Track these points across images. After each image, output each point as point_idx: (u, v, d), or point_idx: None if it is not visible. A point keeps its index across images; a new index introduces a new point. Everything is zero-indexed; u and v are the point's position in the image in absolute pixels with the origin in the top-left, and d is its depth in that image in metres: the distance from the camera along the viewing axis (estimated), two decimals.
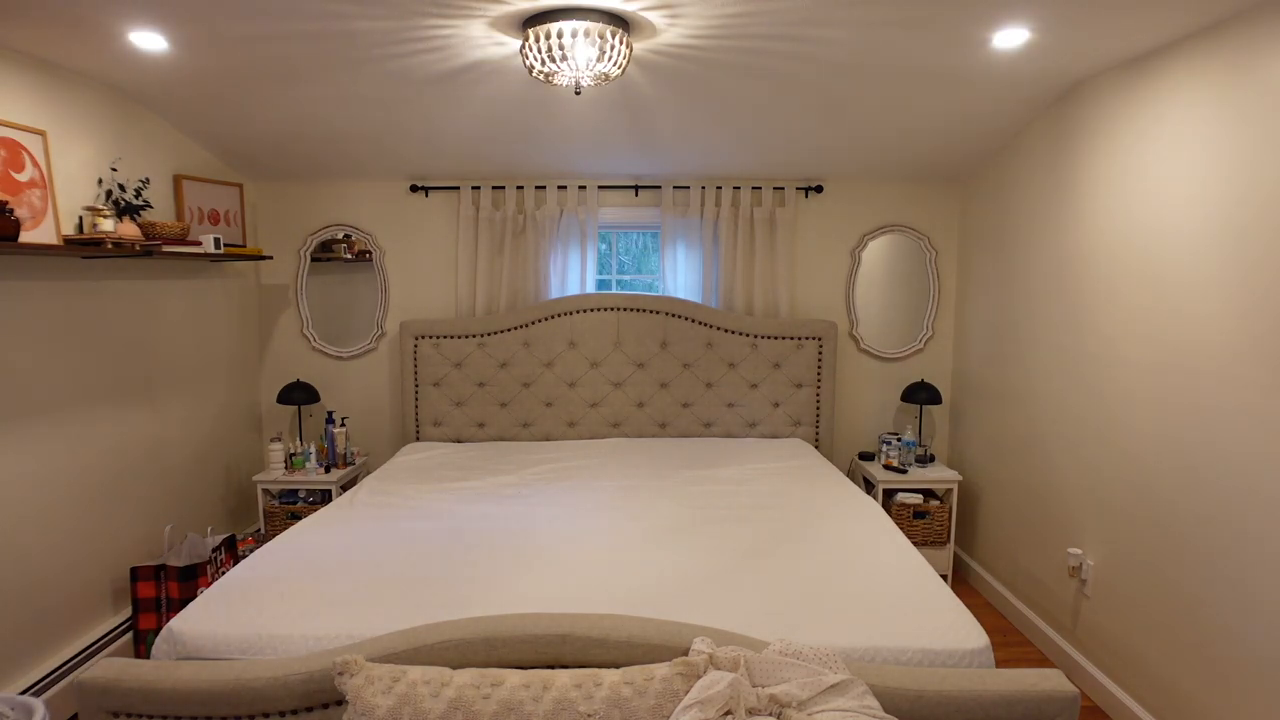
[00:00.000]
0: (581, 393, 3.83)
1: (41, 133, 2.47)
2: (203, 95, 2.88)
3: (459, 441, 3.81)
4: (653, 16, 2.25)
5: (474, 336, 3.80)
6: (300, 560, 2.22)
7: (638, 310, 3.80)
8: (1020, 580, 3.30)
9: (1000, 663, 2.94)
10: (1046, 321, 3.07)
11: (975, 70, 2.63)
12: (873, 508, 2.71)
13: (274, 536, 3.22)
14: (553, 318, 3.80)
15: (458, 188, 3.85)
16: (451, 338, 3.79)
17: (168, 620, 2.46)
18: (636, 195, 3.92)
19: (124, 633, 2.91)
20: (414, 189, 3.88)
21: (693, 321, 3.82)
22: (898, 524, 2.73)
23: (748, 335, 3.83)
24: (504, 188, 3.83)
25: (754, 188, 3.84)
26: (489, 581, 2.09)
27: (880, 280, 4.02)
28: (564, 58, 2.22)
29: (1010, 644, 3.14)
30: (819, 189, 3.89)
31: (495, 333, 3.80)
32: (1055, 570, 3.01)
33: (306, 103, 2.96)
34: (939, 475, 3.66)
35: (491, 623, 1.64)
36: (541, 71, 2.31)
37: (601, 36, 2.20)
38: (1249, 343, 2.04)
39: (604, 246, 4.16)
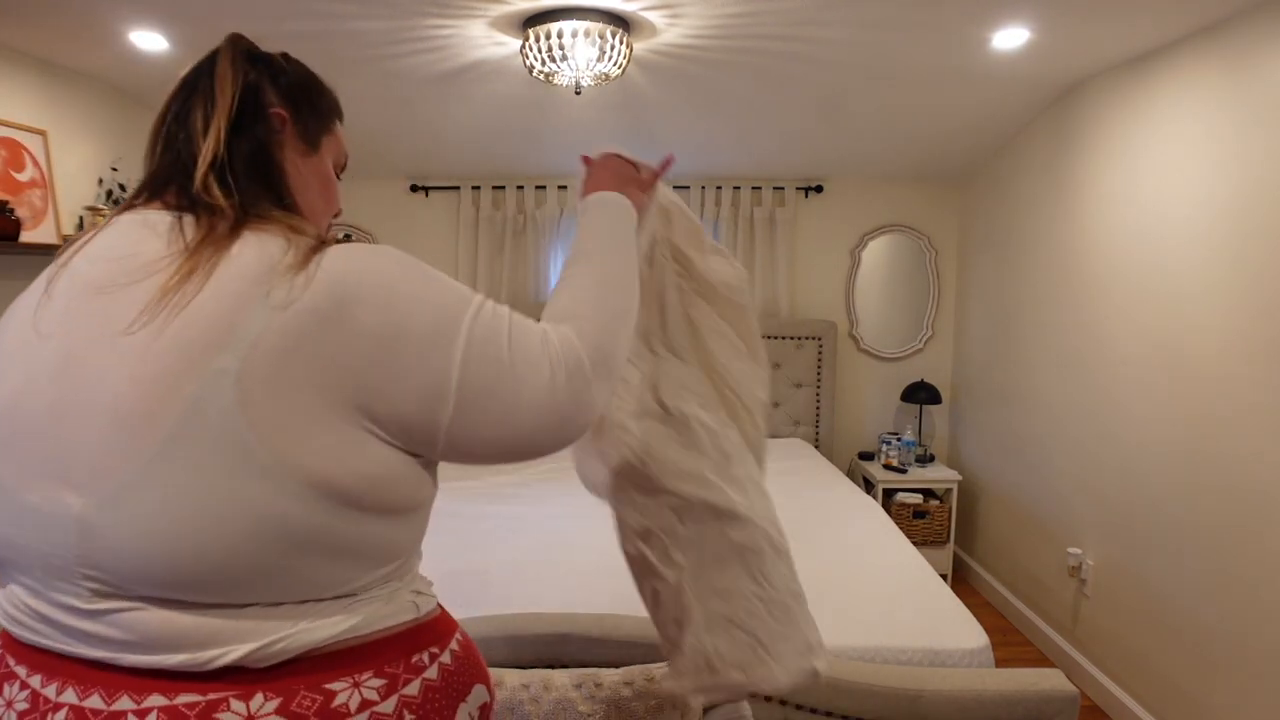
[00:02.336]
0: None
1: (42, 132, 2.47)
2: None
3: None
4: (653, 16, 2.25)
5: None
6: None
7: None
8: (1020, 580, 3.30)
9: (1000, 662, 2.93)
10: (1046, 321, 3.07)
11: (975, 70, 2.63)
12: (872, 508, 2.72)
13: None
14: None
15: (458, 188, 3.85)
16: None
17: None
18: None
19: None
20: (414, 189, 3.88)
21: None
22: (897, 524, 2.73)
23: None
24: (504, 188, 3.83)
25: (754, 188, 3.84)
26: (488, 580, 2.09)
27: (880, 280, 4.02)
28: (564, 58, 2.22)
29: (1010, 644, 3.14)
30: (819, 189, 3.89)
31: None
32: (1055, 570, 3.01)
33: None
34: (939, 475, 3.66)
35: (491, 622, 1.64)
36: (541, 71, 2.31)
37: (601, 36, 2.21)
38: (1248, 342, 2.04)
39: None
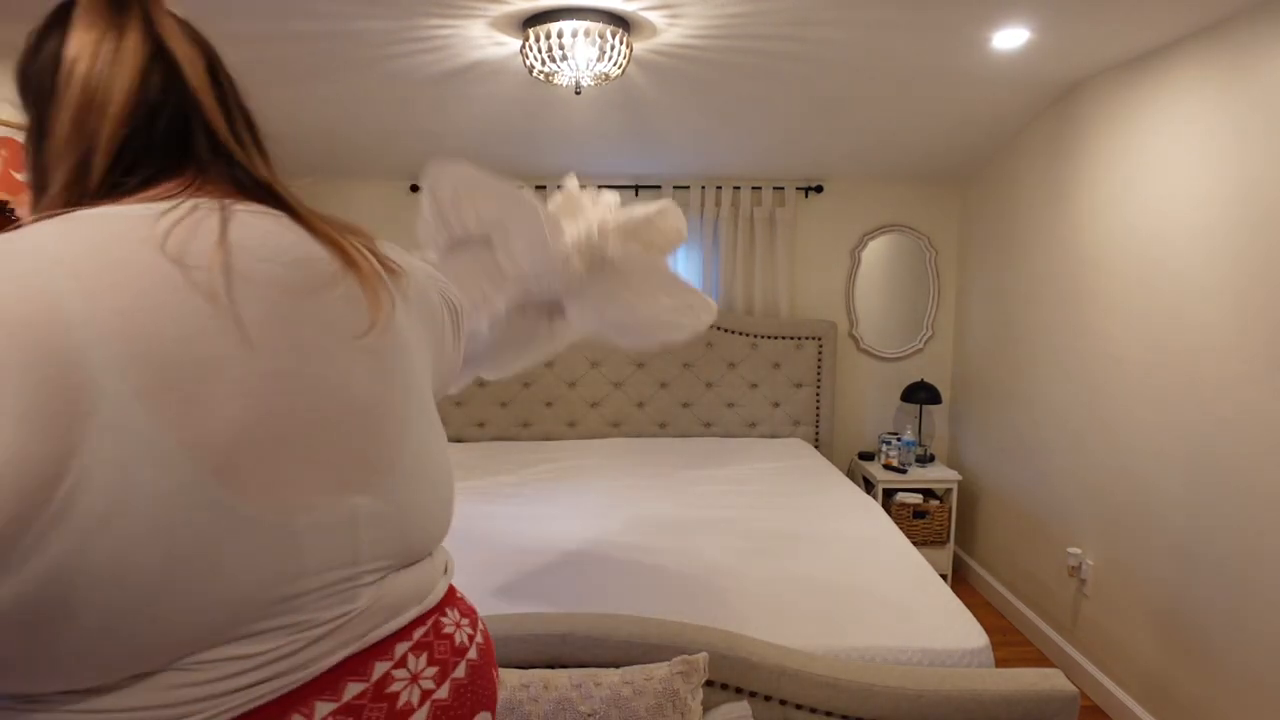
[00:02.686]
0: (581, 392, 3.83)
1: None
2: None
3: (459, 441, 3.81)
4: (653, 16, 2.25)
5: None
6: None
7: None
8: (1020, 580, 3.30)
9: (1000, 662, 2.93)
10: (1046, 321, 3.07)
11: (975, 70, 2.63)
12: (872, 508, 2.72)
13: None
14: None
15: None
16: None
17: None
18: (636, 195, 3.92)
19: None
20: (414, 189, 3.88)
21: None
22: (897, 524, 2.73)
23: (748, 335, 3.83)
24: None
25: (754, 188, 3.84)
26: (488, 581, 2.09)
27: (880, 280, 4.02)
28: (564, 58, 2.22)
29: (1010, 644, 3.14)
30: (819, 189, 3.89)
31: None
32: (1055, 570, 3.01)
33: (307, 103, 2.96)
34: (939, 475, 3.66)
35: (491, 622, 1.64)
36: (541, 71, 2.31)
37: (601, 36, 2.21)
38: (1248, 342, 2.04)
39: None
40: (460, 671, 0.76)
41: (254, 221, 0.67)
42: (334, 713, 0.64)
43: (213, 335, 0.59)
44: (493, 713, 0.80)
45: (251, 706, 0.60)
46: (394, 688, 0.69)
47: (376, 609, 0.69)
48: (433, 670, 0.74)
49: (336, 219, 0.76)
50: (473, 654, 0.79)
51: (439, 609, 0.78)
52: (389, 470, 0.69)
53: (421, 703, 0.71)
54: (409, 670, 0.71)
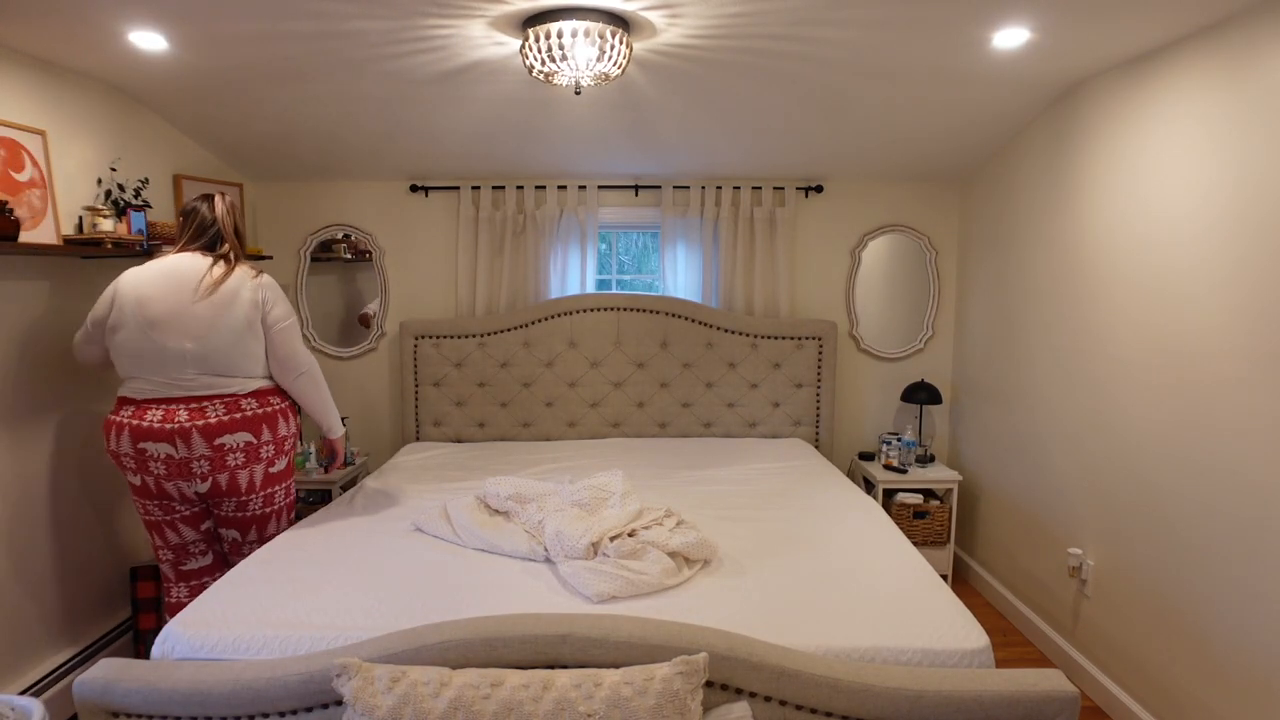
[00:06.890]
0: (581, 393, 3.83)
1: (41, 132, 2.47)
2: (203, 95, 2.88)
3: (459, 441, 3.81)
4: (653, 16, 2.25)
5: (474, 336, 3.79)
6: (300, 560, 2.22)
7: (638, 310, 3.80)
8: (1020, 580, 3.30)
9: (1000, 663, 2.93)
10: (1046, 321, 3.07)
11: (975, 70, 2.63)
12: (873, 508, 2.71)
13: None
14: (553, 318, 3.80)
15: (458, 188, 3.85)
16: (451, 338, 3.79)
17: (167, 620, 2.46)
18: (636, 195, 3.92)
19: (124, 633, 2.91)
20: (414, 189, 3.87)
21: (693, 321, 3.82)
22: (898, 524, 2.73)
23: (748, 335, 3.83)
24: (504, 188, 3.83)
25: (754, 188, 3.84)
26: (489, 581, 2.09)
27: (880, 280, 4.02)
28: (564, 58, 2.22)
29: (1010, 644, 3.14)
30: (819, 189, 3.89)
31: (495, 333, 3.80)
32: (1055, 570, 3.01)
33: (306, 103, 2.96)
34: (939, 475, 3.66)
35: (492, 623, 1.64)
36: (541, 71, 2.31)
37: (601, 36, 2.21)
38: (1249, 342, 2.04)
39: (604, 246, 4.16)
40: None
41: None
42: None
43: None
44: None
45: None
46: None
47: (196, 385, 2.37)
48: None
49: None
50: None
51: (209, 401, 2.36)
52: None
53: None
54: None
